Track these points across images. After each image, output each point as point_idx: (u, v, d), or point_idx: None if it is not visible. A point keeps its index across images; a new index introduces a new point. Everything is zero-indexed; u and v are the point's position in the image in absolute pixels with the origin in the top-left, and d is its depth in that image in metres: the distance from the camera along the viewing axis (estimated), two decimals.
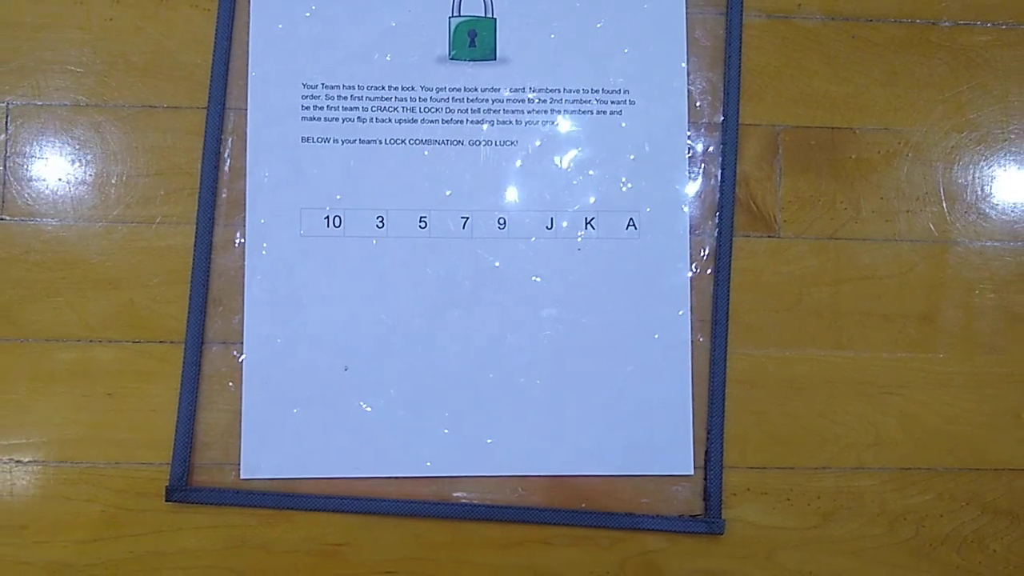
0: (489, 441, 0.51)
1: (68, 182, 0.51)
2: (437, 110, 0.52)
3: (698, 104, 0.53)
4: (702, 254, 0.52)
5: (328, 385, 0.50)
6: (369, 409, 0.50)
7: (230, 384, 0.50)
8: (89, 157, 0.52)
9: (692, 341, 0.52)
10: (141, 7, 0.52)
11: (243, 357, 0.50)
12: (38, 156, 0.51)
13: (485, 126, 0.52)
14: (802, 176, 0.53)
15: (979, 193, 0.54)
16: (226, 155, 0.52)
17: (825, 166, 0.54)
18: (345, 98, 0.52)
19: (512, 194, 0.52)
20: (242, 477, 0.50)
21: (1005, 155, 0.54)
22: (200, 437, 0.50)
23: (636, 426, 0.51)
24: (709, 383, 0.52)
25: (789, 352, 0.52)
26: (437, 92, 0.52)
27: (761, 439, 0.52)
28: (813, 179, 0.53)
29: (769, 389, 0.52)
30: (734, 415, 0.52)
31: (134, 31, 0.52)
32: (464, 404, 0.51)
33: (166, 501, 0.49)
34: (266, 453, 0.50)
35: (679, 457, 0.51)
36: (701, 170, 0.53)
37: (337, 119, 0.52)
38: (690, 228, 0.52)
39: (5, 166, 0.51)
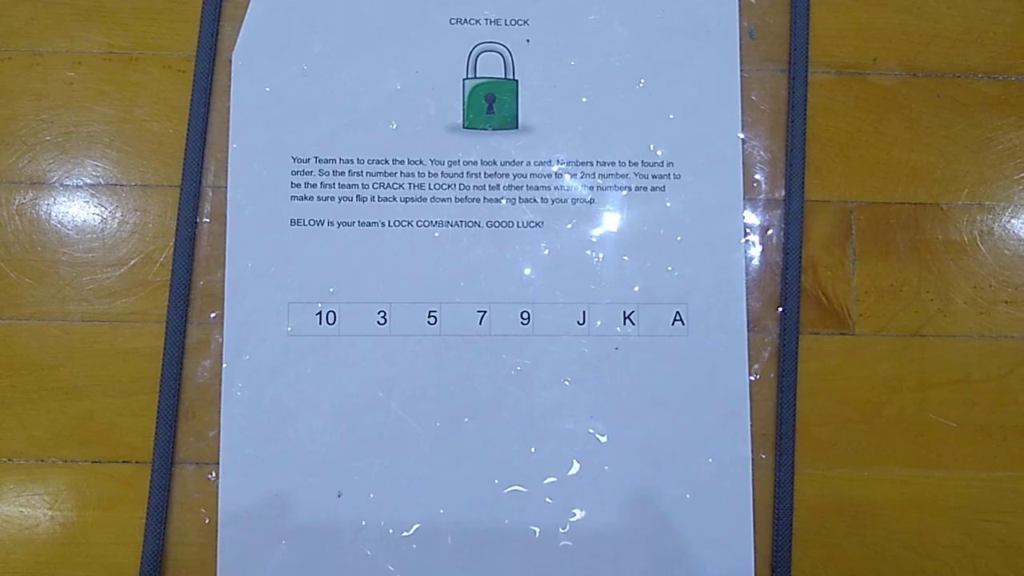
0: None
1: (17, 274, 0.44)
2: (450, 186, 0.44)
3: (756, 177, 0.45)
4: (763, 355, 0.44)
5: (319, 515, 0.42)
6: (366, 543, 0.42)
7: (203, 512, 0.43)
8: (43, 244, 0.44)
9: (753, 460, 0.43)
10: (105, 68, 0.45)
11: (219, 480, 0.43)
12: None
13: (505, 203, 0.45)
14: (880, 261, 0.45)
15: None
16: (202, 241, 0.44)
17: (907, 249, 0.45)
18: (342, 173, 0.44)
19: (538, 284, 0.44)
20: None
21: None
22: None
23: (686, 565, 0.43)
24: (774, 511, 0.43)
25: (868, 472, 0.44)
26: (450, 165, 0.45)
27: None
28: (894, 265, 0.45)
29: (845, 517, 0.44)
30: (803, 548, 0.43)
31: (97, 96, 0.45)
32: (482, 536, 0.43)
33: None
34: None
35: None
36: (760, 255, 0.45)
37: (333, 198, 0.44)
38: (748, 324, 0.44)
39: None
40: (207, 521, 0.42)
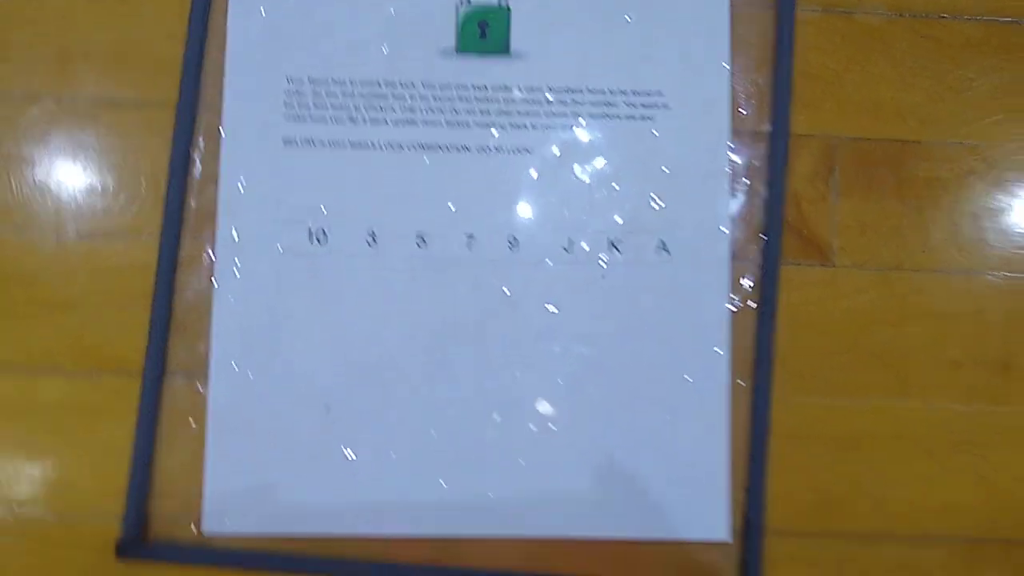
0: (492, 497, 0.44)
1: (13, 187, 0.45)
2: (440, 110, 0.45)
3: (742, 110, 0.46)
4: (744, 284, 0.45)
5: (306, 427, 0.43)
6: (353, 457, 0.43)
7: (191, 422, 0.44)
8: (38, 158, 0.45)
9: (731, 385, 0.44)
10: None
11: (208, 391, 0.43)
12: None
13: (495, 130, 0.45)
14: (862, 196, 0.46)
15: None
16: (197, 159, 0.45)
17: (889, 185, 0.46)
18: (334, 95, 0.45)
19: (525, 210, 0.45)
20: (203, 532, 0.43)
21: None
22: (158, 485, 0.43)
23: (663, 483, 0.44)
24: (750, 435, 0.44)
25: (844, 401, 0.45)
26: (441, 90, 0.45)
27: (809, 501, 0.45)
28: (875, 200, 0.46)
29: (820, 444, 0.45)
30: (778, 473, 0.44)
31: (94, 16, 0.46)
32: (465, 453, 0.44)
33: (118, 558, 0.42)
34: (232, 504, 0.43)
35: (713, 521, 0.44)
36: (745, 187, 0.46)
37: (325, 119, 0.45)
38: (731, 254, 0.45)
39: None
40: (194, 427, 0.43)
